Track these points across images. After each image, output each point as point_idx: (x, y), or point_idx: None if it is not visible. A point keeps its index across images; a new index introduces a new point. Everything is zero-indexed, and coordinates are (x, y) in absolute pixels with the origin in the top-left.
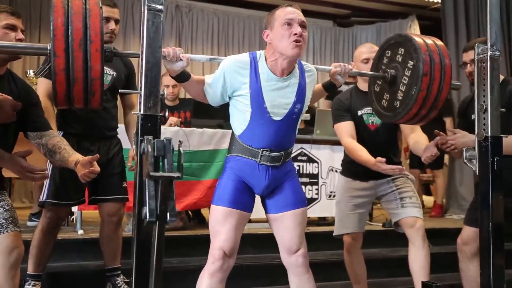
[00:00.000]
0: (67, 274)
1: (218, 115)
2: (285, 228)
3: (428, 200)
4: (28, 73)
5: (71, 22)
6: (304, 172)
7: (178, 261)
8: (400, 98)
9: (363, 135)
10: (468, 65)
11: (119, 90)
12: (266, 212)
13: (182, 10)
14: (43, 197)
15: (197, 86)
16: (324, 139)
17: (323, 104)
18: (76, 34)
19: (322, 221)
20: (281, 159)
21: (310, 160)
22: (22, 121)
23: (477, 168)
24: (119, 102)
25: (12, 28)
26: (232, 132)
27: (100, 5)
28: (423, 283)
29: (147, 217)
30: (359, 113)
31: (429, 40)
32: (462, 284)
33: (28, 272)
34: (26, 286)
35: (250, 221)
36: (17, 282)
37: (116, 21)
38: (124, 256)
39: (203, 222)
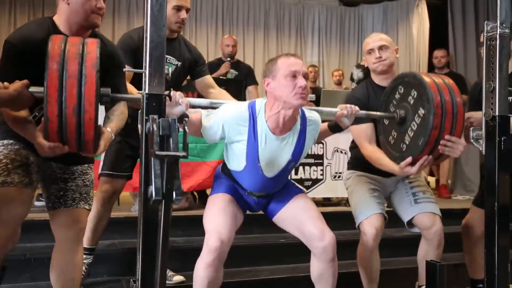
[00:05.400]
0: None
1: None
2: (294, 219)
3: (431, 180)
4: None
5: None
6: (309, 153)
7: (183, 241)
8: (407, 143)
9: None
10: None
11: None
12: (270, 218)
13: None
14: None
15: (194, 126)
16: (330, 119)
17: (328, 85)
18: (70, 101)
19: (327, 201)
20: (268, 196)
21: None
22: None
23: (483, 148)
24: None
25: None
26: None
27: (97, 69)
28: (427, 262)
29: (153, 195)
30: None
31: (439, 80)
32: (467, 267)
33: None
34: None
35: None
36: (80, 258)
37: (187, 10)
38: (131, 236)
39: None
